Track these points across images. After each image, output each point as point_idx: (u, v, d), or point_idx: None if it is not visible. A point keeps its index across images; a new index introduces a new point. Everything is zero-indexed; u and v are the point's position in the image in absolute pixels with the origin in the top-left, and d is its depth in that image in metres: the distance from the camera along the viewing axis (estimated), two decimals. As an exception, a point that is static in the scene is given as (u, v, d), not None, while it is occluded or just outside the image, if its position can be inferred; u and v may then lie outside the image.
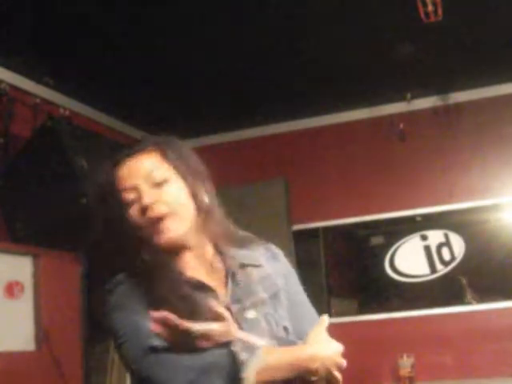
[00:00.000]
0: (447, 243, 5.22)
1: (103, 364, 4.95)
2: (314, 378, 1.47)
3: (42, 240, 4.19)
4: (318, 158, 5.52)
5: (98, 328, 4.75)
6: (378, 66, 4.66)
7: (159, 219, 1.61)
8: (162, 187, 1.65)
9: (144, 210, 1.61)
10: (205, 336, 1.43)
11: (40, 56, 4.09)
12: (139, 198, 1.63)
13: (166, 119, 5.35)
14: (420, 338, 5.03)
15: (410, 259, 5.30)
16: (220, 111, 5.25)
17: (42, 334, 4.20)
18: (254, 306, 1.61)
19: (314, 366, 1.47)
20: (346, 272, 5.80)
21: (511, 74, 5.02)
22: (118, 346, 1.57)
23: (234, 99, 5.03)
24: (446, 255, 5.21)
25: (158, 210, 1.61)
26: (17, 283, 4.13)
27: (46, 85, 4.37)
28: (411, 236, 5.33)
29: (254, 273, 1.69)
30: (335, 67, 4.65)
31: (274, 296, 1.68)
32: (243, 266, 1.69)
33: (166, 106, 5.01)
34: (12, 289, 4.09)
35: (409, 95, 5.19)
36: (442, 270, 5.21)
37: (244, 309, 1.60)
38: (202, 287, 1.60)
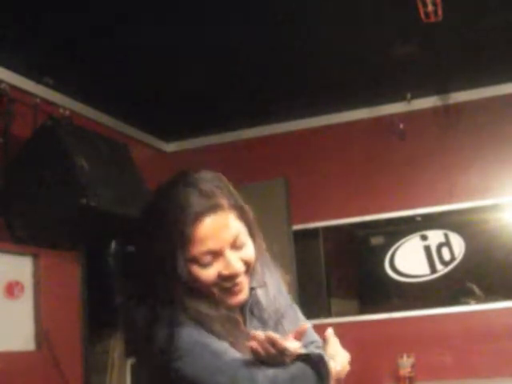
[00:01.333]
0: (447, 243, 5.22)
1: (103, 364, 4.95)
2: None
3: (41, 240, 4.19)
4: (318, 158, 5.52)
5: (97, 328, 4.76)
6: (378, 65, 4.67)
7: (237, 283, 1.62)
8: (242, 250, 1.62)
9: (229, 277, 1.59)
10: (291, 352, 1.50)
11: (40, 56, 4.09)
12: (221, 262, 1.59)
13: (166, 120, 5.36)
14: (420, 338, 5.03)
15: (410, 259, 5.30)
16: (220, 111, 5.25)
17: (42, 334, 4.20)
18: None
19: (346, 371, 1.77)
20: (345, 272, 5.80)
21: (511, 74, 5.02)
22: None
23: (234, 99, 5.03)
24: (446, 255, 5.21)
25: (240, 276, 1.61)
26: (17, 283, 4.13)
27: (46, 85, 4.36)
28: (411, 236, 5.33)
29: (262, 297, 1.73)
30: (335, 67, 4.65)
31: (277, 323, 1.73)
32: (252, 289, 1.71)
33: (166, 106, 5.02)
34: (12, 289, 4.09)
35: (409, 95, 5.19)
36: (442, 270, 5.21)
37: None
38: (234, 320, 1.65)
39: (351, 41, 4.28)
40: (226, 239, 1.58)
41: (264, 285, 1.74)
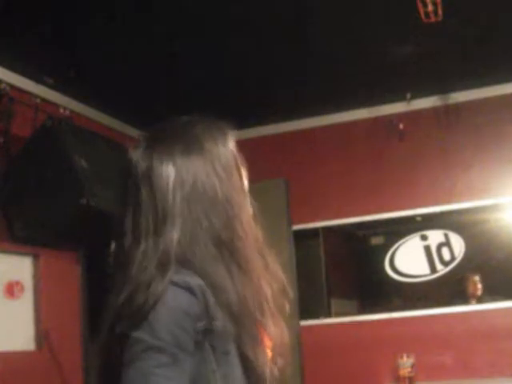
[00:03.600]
0: (447, 243, 5.23)
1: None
2: None
3: (42, 240, 4.19)
4: (318, 158, 5.52)
5: (97, 328, 4.76)
6: (377, 66, 4.66)
7: None
8: None
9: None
10: None
11: (40, 56, 4.09)
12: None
13: (166, 120, 5.35)
14: (420, 338, 5.04)
15: (410, 259, 5.30)
16: (219, 112, 5.24)
17: (42, 334, 4.20)
18: None
19: None
20: (345, 272, 5.80)
21: (511, 74, 5.02)
22: None
23: (233, 100, 5.03)
24: (446, 255, 5.21)
25: None
26: (17, 283, 4.13)
27: (46, 85, 4.37)
28: (411, 236, 5.33)
29: None
30: (335, 67, 4.65)
31: None
32: None
33: (166, 106, 5.01)
34: (12, 289, 4.09)
35: (409, 95, 5.19)
36: (442, 270, 5.21)
37: None
38: None
39: (351, 41, 4.29)
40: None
41: None
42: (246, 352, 1.36)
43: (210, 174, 1.43)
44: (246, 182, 1.56)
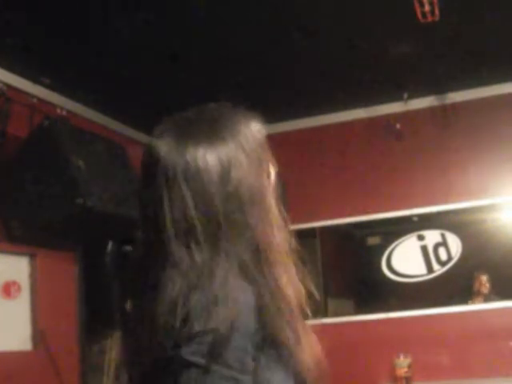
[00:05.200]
0: (444, 243, 5.23)
1: (100, 364, 4.95)
2: None
3: (38, 240, 4.19)
4: (315, 158, 5.52)
5: (94, 328, 4.75)
6: (375, 66, 4.67)
7: None
8: None
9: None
10: None
11: (37, 56, 4.08)
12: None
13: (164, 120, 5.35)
14: (417, 338, 5.04)
15: (406, 259, 5.31)
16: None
17: (39, 334, 4.19)
18: None
19: None
20: (342, 272, 5.81)
21: (508, 74, 5.02)
22: None
23: (232, 100, 5.03)
24: (443, 255, 5.22)
25: None
26: (14, 283, 4.13)
27: (43, 85, 4.36)
28: (408, 236, 5.34)
29: None
30: (333, 67, 4.66)
31: None
32: None
33: (164, 106, 5.01)
34: (9, 289, 4.09)
35: (406, 95, 5.19)
36: (438, 269, 5.22)
37: None
38: None
39: (348, 41, 4.29)
40: None
41: None
42: (292, 358, 1.28)
43: (245, 162, 1.32)
44: (273, 176, 1.47)
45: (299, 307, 1.36)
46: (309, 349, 1.36)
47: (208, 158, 1.28)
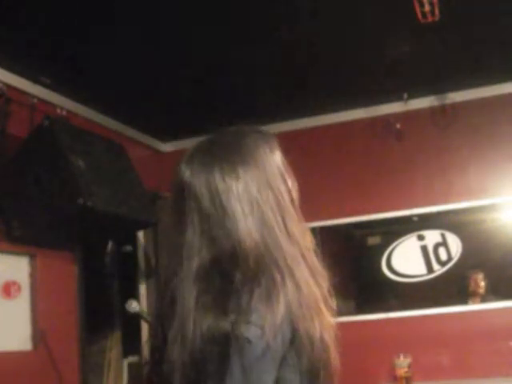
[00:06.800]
0: (444, 243, 5.23)
1: (100, 364, 4.95)
2: None
3: (38, 240, 4.19)
4: (315, 158, 5.52)
5: (94, 328, 4.76)
6: (374, 66, 4.67)
7: None
8: None
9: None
10: None
11: (37, 56, 4.08)
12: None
13: (163, 120, 5.36)
14: (417, 338, 5.04)
15: (406, 259, 5.30)
16: (218, 112, 5.25)
17: (39, 334, 4.19)
18: None
19: None
20: (342, 272, 5.79)
21: (508, 75, 5.02)
22: None
23: (231, 100, 5.03)
24: (443, 255, 5.22)
25: None
26: (14, 283, 4.12)
27: (43, 85, 4.36)
28: (408, 236, 5.34)
29: None
30: (332, 67, 4.65)
31: None
32: None
33: (163, 106, 5.02)
34: (9, 289, 4.08)
35: (405, 95, 5.19)
36: (438, 269, 5.22)
37: None
38: None
39: (348, 41, 4.29)
40: None
41: None
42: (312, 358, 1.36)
43: (265, 186, 1.44)
44: (294, 193, 1.58)
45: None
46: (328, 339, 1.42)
47: (228, 180, 1.41)
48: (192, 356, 1.32)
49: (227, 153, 1.45)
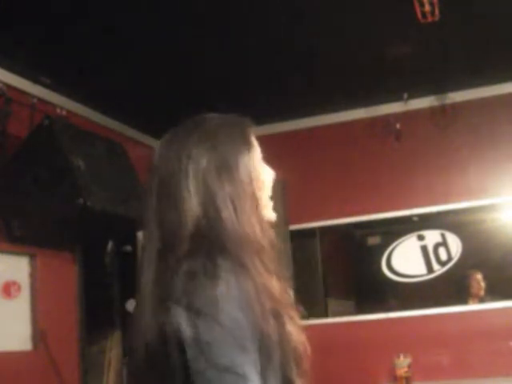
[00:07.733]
0: (444, 243, 5.23)
1: (100, 364, 4.95)
2: None
3: (38, 240, 4.19)
4: (315, 158, 5.52)
5: (94, 328, 4.75)
6: (374, 66, 4.67)
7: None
8: None
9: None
10: None
11: (37, 56, 4.08)
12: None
13: (163, 120, 5.35)
14: (417, 338, 5.04)
15: (406, 259, 5.31)
16: (217, 112, 5.24)
17: (39, 334, 4.19)
18: None
19: None
20: (342, 272, 5.81)
21: (508, 74, 5.02)
22: None
23: (232, 100, 5.03)
24: (443, 255, 5.22)
25: None
26: (14, 283, 4.12)
27: (43, 85, 4.36)
28: (408, 236, 5.34)
29: None
30: (332, 67, 4.65)
31: None
32: None
33: (163, 106, 5.01)
34: (9, 289, 4.08)
35: (405, 95, 5.19)
36: (438, 269, 5.22)
37: None
38: None
39: (348, 41, 4.29)
40: None
41: None
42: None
43: (223, 170, 1.46)
44: (268, 178, 1.60)
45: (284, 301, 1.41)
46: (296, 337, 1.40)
47: (186, 163, 1.44)
48: (146, 348, 1.34)
49: (187, 135, 1.49)
